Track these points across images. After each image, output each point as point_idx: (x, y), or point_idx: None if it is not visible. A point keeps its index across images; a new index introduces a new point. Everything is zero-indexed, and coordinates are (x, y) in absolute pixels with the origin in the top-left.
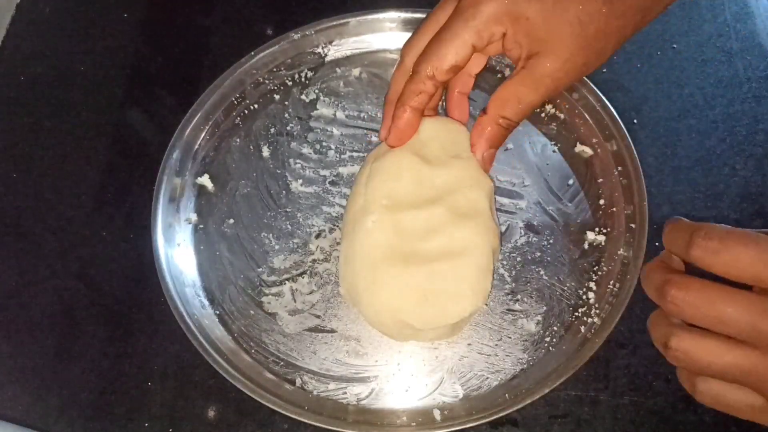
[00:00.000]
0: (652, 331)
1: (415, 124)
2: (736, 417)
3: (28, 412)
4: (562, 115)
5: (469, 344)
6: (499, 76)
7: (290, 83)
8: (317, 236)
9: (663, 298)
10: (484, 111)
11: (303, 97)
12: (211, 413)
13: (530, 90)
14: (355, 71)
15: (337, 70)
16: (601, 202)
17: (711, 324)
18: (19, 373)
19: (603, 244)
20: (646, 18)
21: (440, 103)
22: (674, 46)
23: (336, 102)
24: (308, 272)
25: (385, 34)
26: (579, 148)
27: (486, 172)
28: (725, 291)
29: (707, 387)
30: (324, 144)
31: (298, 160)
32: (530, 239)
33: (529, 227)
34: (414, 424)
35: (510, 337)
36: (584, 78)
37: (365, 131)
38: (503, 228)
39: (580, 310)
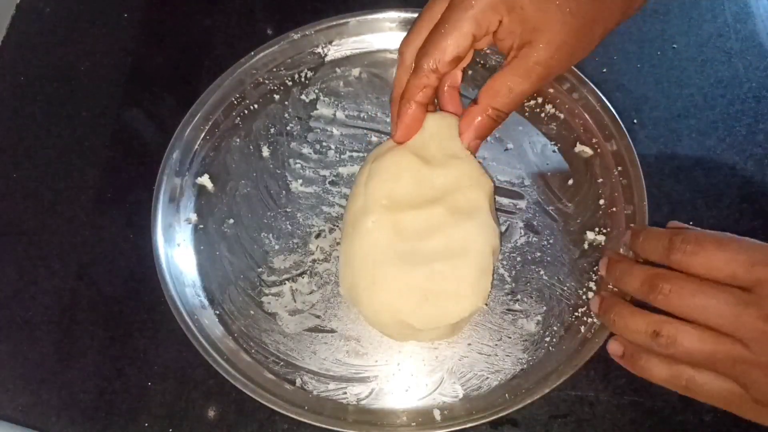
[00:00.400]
0: (630, 322)
1: (420, 119)
2: (733, 415)
3: (28, 412)
4: (561, 115)
5: (469, 344)
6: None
7: (290, 83)
8: (317, 236)
9: (652, 289)
10: (474, 101)
11: (303, 97)
12: (211, 413)
13: (522, 79)
14: (355, 71)
15: (337, 70)
16: (601, 202)
17: (695, 314)
18: (19, 373)
19: (603, 244)
20: (632, 5)
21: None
22: (674, 46)
23: (336, 102)
24: (308, 272)
25: (384, 34)
26: (579, 148)
27: None
28: (709, 284)
29: (701, 379)
30: (324, 144)
31: (298, 160)
32: (530, 239)
33: (528, 227)
34: (414, 424)
35: (510, 337)
36: (584, 78)
37: (365, 131)
38: (503, 228)
39: (580, 310)
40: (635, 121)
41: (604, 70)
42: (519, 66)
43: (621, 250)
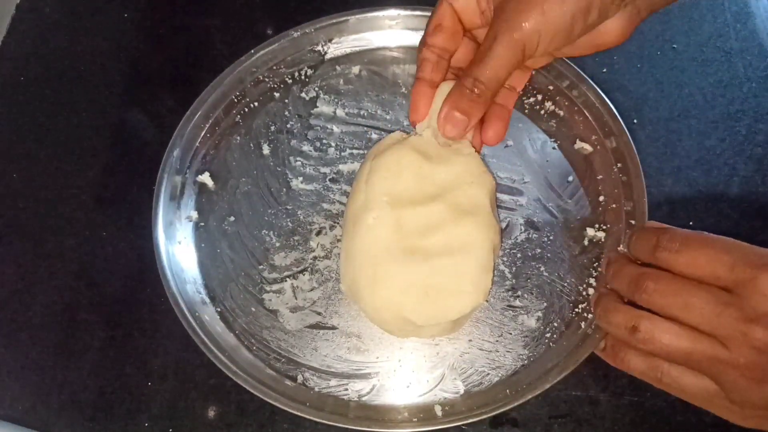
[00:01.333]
0: (612, 317)
1: (424, 92)
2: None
3: (28, 412)
4: (561, 112)
5: (470, 340)
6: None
7: (290, 81)
8: (318, 233)
9: (638, 288)
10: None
11: (303, 94)
12: (211, 413)
13: (498, 40)
14: (355, 69)
15: (337, 67)
16: (601, 198)
17: (677, 313)
18: (19, 373)
19: (603, 240)
20: None
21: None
22: (674, 46)
23: (336, 99)
24: (309, 269)
25: (384, 32)
26: (578, 144)
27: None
28: (692, 284)
29: (676, 372)
30: (324, 141)
31: (298, 158)
32: (530, 236)
33: (529, 224)
34: (415, 420)
35: (511, 333)
36: (583, 75)
37: (365, 128)
38: (503, 224)
39: (580, 306)
40: (635, 121)
41: (604, 70)
42: (493, 26)
43: (620, 247)
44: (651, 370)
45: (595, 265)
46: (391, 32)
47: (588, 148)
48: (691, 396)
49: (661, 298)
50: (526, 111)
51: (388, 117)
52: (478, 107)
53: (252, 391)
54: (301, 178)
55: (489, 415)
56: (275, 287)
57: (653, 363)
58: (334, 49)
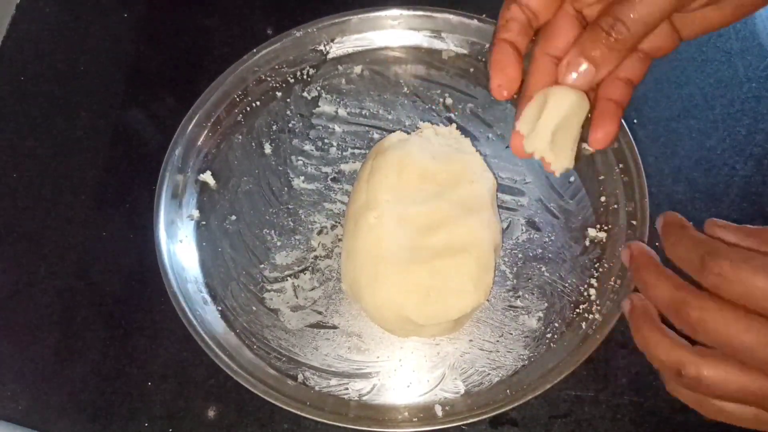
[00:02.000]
0: (653, 350)
1: (509, 54)
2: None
3: (28, 412)
4: None
5: (471, 340)
6: None
7: (292, 80)
8: (319, 233)
9: (678, 315)
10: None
11: (305, 94)
12: (211, 413)
13: None
14: (357, 68)
15: (339, 67)
16: (603, 199)
17: (723, 347)
18: (19, 373)
19: (604, 240)
20: None
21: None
22: None
23: (338, 99)
24: (310, 268)
25: (386, 32)
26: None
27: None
28: (742, 316)
29: (729, 408)
30: (326, 141)
31: (300, 157)
32: (532, 236)
33: (530, 224)
34: (415, 419)
35: (511, 334)
36: None
37: (367, 128)
38: (505, 225)
39: (581, 307)
40: (635, 121)
41: None
42: None
43: (622, 247)
44: (700, 404)
45: (596, 265)
46: (393, 32)
47: (590, 148)
48: (739, 421)
49: (705, 334)
50: None
51: (389, 117)
52: (612, 57)
53: (252, 390)
54: (302, 178)
55: (489, 415)
56: (276, 286)
57: (703, 399)
58: (336, 49)
